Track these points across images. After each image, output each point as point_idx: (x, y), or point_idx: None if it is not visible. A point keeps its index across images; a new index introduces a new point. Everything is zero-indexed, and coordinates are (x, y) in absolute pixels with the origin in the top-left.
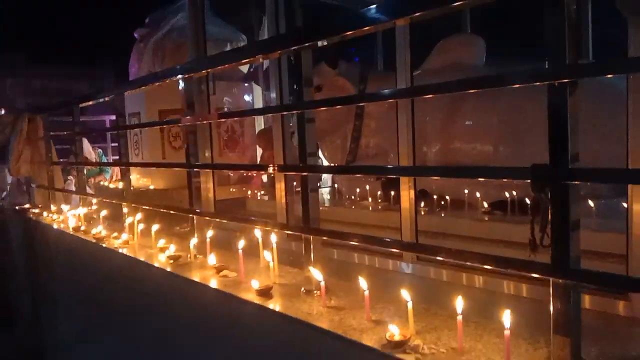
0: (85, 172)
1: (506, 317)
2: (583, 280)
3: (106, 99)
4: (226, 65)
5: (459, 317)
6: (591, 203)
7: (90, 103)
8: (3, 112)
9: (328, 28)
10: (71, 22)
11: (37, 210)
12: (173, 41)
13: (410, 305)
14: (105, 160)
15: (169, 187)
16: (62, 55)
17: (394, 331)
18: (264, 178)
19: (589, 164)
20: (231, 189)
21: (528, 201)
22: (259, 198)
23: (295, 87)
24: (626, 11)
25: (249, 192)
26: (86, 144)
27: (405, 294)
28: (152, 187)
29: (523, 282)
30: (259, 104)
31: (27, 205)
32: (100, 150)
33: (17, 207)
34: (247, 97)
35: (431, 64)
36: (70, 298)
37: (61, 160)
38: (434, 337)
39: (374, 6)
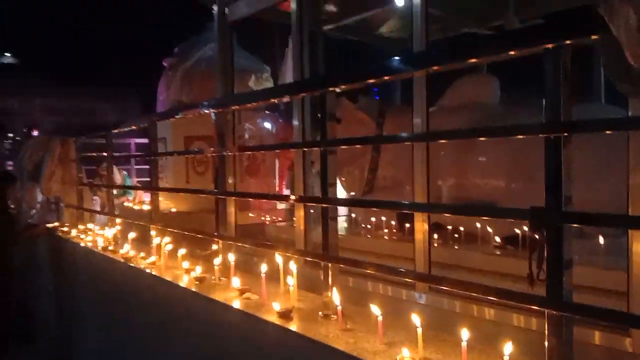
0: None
1: (506, 346)
2: (575, 312)
3: (134, 127)
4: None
5: (464, 344)
6: (601, 240)
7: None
8: (36, 133)
9: (349, 76)
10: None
11: (65, 229)
12: (201, 71)
13: (419, 330)
14: (129, 182)
15: (190, 210)
16: (88, 76)
17: (404, 354)
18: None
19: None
20: (249, 214)
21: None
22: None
23: (321, 122)
24: (615, 80)
25: (268, 218)
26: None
27: (415, 320)
28: (173, 209)
29: (532, 316)
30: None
31: (55, 223)
32: (125, 172)
33: (46, 225)
34: (267, 125)
35: (447, 102)
36: (96, 314)
37: (90, 181)
38: (442, 359)
39: (397, 57)
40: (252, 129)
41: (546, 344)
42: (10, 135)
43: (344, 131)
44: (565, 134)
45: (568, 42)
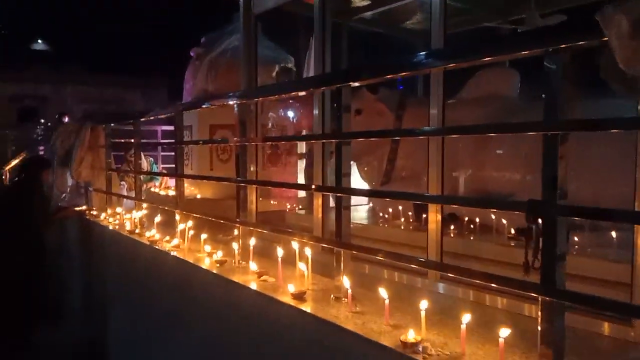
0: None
1: (502, 330)
2: (566, 299)
3: (161, 116)
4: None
5: (463, 326)
6: (613, 234)
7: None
8: (67, 120)
9: (367, 71)
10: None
11: (94, 212)
12: (226, 61)
13: (423, 313)
14: (156, 168)
15: (214, 196)
16: (117, 65)
17: (408, 334)
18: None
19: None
20: (272, 202)
21: None
22: (296, 212)
23: (336, 115)
24: (609, 81)
25: (288, 206)
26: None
27: (422, 304)
28: (199, 196)
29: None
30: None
31: (83, 207)
32: (151, 158)
33: (75, 208)
34: (290, 114)
35: (467, 94)
36: (122, 293)
37: (118, 167)
38: (442, 342)
39: (422, 53)
40: (275, 118)
41: (539, 328)
42: (42, 121)
43: (363, 122)
44: (562, 132)
45: (565, 46)
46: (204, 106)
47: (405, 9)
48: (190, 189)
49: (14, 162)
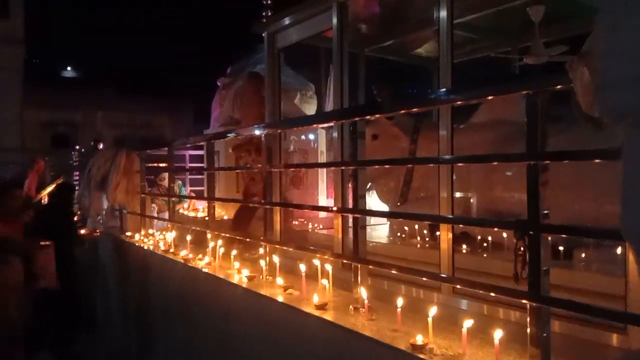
0: (165, 202)
1: (497, 333)
2: (550, 304)
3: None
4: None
5: (464, 330)
6: (619, 250)
7: (188, 145)
8: (102, 146)
9: (384, 106)
10: (155, 61)
11: (129, 233)
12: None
13: (430, 320)
14: (184, 191)
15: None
16: (146, 92)
17: (417, 338)
18: None
19: None
20: (294, 222)
21: (561, 248)
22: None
23: (352, 144)
24: (580, 119)
25: (310, 226)
26: (166, 175)
27: (430, 311)
28: (225, 217)
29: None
30: (322, 141)
31: (117, 227)
32: (180, 181)
33: (110, 230)
34: (311, 136)
35: (478, 119)
36: (158, 309)
37: (152, 190)
38: (447, 344)
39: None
40: (297, 142)
41: (528, 330)
42: (77, 147)
43: (380, 146)
44: (542, 162)
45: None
46: (230, 135)
47: (415, 38)
48: (217, 210)
49: (51, 187)
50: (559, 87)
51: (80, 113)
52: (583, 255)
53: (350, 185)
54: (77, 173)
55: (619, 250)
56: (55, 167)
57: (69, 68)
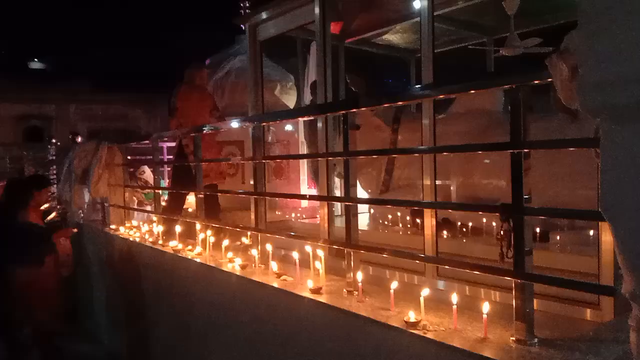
0: (144, 195)
1: (484, 307)
2: (534, 280)
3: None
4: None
5: (454, 307)
6: (591, 233)
7: (167, 135)
8: (80, 139)
9: (368, 100)
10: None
11: (113, 226)
12: (231, 81)
13: (422, 299)
14: (163, 183)
15: (223, 208)
16: (119, 83)
17: (410, 316)
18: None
19: None
20: (277, 212)
21: (538, 230)
22: (300, 221)
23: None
24: (558, 110)
25: (293, 215)
26: (147, 169)
27: (422, 292)
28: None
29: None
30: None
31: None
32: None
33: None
34: (288, 127)
35: (456, 109)
36: (148, 300)
37: (135, 184)
38: (438, 321)
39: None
40: (274, 131)
41: (513, 303)
42: (54, 140)
43: (363, 136)
44: (525, 150)
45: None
46: (205, 129)
47: (397, 30)
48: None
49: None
50: (539, 81)
51: (54, 106)
52: (558, 237)
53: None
54: (55, 167)
55: (590, 233)
56: (32, 162)
57: (35, 59)
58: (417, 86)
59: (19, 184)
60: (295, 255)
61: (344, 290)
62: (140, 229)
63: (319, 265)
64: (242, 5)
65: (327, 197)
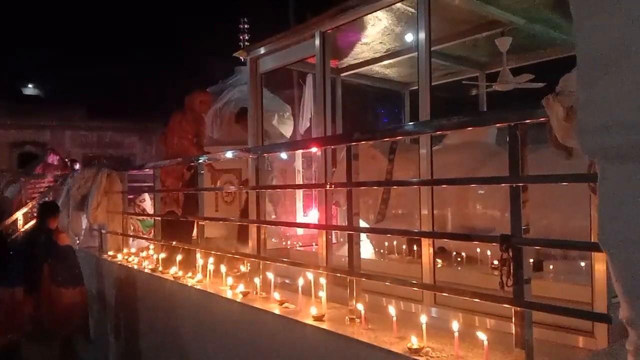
0: (140, 223)
1: (484, 334)
2: (533, 308)
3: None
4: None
5: (456, 334)
6: (582, 264)
7: (167, 163)
8: (78, 166)
9: (367, 135)
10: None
11: (111, 252)
12: (229, 112)
13: (424, 326)
14: None
15: (220, 236)
16: (115, 110)
17: (413, 342)
18: None
19: None
20: (272, 240)
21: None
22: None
23: (347, 167)
24: (553, 147)
25: (289, 242)
26: (148, 197)
27: (422, 318)
28: (207, 235)
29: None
30: (298, 160)
31: (96, 247)
32: None
33: (88, 250)
34: (283, 156)
35: (451, 140)
36: (147, 327)
37: (134, 212)
38: (440, 347)
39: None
40: (270, 161)
41: (513, 330)
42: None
43: (359, 166)
44: (522, 184)
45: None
46: (205, 159)
47: (389, 65)
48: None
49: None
50: (536, 120)
51: (49, 132)
52: (552, 266)
53: (334, 203)
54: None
55: (582, 263)
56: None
57: (30, 85)
58: (417, 122)
59: (54, 206)
60: (298, 282)
61: (346, 317)
62: (138, 255)
63: (321, 293)
64: (241, 37)
65: (329, 226)
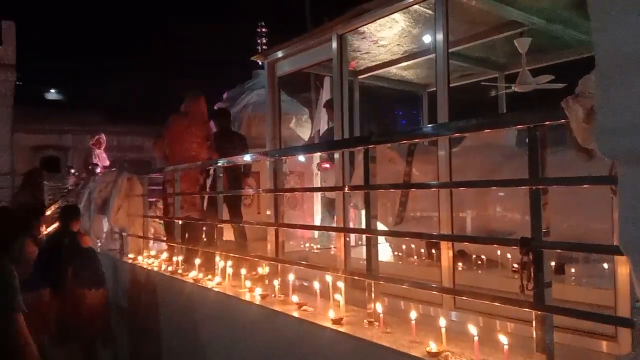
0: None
1: (504, 338)
2: (554, 312)
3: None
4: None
5: (475, 338)
6: (605, 267)
7: (184, 166)
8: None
9: (385, 137)
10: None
11: (132, 255)
12: (248, 115)
13: (444, 330)
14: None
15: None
16: (135, 114)
17: (432, 346)
18: None
19: None
20: (290, 242)
21: (552, 264)
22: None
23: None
24: (574, 150)
25: (307, 245)
26: None
27: (441, 322)
28: (224, 238)
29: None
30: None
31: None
32: None
33: (109, 252)
34: (301, 158)
35: (470, 142)
36: (165, 327)
37: (153, 214)
38: (459, 351)
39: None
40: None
41: (534, 334)
42: (73, 171)
43: (377, 168)
44: (542, 187)
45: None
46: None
47: (407, 67)
48: None
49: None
50: (555, 122)
51: (70, 136)
52: (573, 270)
53: (351, 206)
54: (73, 198)
55: (605, 266)
56: (51, 192)
57: (52, 90)
58: (435, 124)
59: (76, 209)
60: (316, 285)
61: (365, 320)
62: (158, 258)
63: (338, 296)
64: (259, 41)
65: (347, 229)
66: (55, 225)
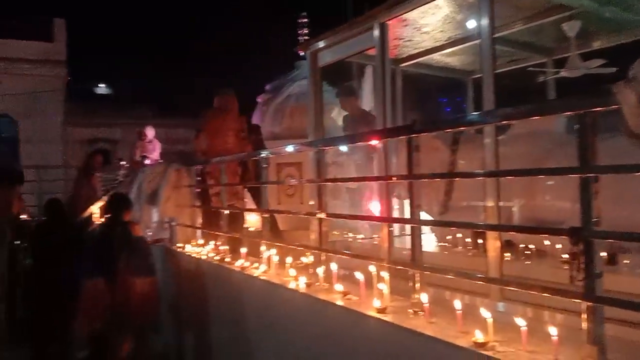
0: None
1: (553, 329)
2: (605, 303)
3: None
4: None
5: (523, 328)
6: None
7: (227, 160)
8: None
9: (428, 126)
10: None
11: (180, 244)
12: (290, 106)
13: (490, 320)
14: None
15: (284, 228)
16: (183, 107)
17: (478, 336)
18: None
19: None
20: (334, 232)
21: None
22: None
23: (408, 159)
24: (627, 137)
25: (350, 234)
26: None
27: (487, 312)
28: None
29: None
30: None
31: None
32: None
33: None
34: (344, 148)
35: (517, 130)
36: (211, 315)
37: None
38: (507, 341)
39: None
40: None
41: (585, 326)
42: (123, 163)
43: (422, 157)
44: (593, 175)
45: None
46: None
47: (450, 53)
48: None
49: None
50: (606, 108)
51: (119, 129)
52: (627, 261)
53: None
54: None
55: None
56: (102, 183)
57: (101, 85)
58: (481, 112)
59: (127, 199)
60: (359, 275)
61: (410, 310)
62: (205, 247)
63: (382, 285)
64: (299, 32)
65: (391, 219)
66: (107, 215)
